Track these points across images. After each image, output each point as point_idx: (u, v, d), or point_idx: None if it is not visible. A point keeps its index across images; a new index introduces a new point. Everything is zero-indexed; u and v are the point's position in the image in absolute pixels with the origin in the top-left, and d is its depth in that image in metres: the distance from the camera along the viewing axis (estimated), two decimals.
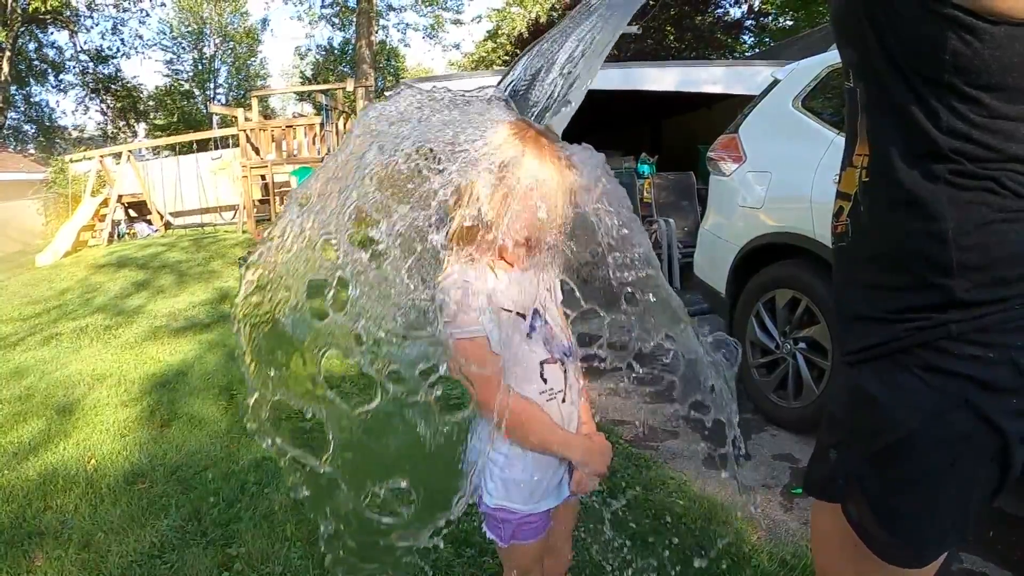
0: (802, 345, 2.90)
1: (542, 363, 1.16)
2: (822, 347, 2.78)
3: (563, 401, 1.20)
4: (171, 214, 13.30)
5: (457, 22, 26.93)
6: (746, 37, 18.52)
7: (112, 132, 26.79)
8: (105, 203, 11.89)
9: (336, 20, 27.00)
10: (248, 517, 2.27)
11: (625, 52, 16.15)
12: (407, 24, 29.75)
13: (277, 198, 11.60)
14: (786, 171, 2.98)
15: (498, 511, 1.20)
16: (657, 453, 2.82)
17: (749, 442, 2.91)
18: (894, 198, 0.84)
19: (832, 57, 3.02)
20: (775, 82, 3.29)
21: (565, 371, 1.20)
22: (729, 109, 8.24)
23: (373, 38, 20.68)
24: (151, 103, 28.46)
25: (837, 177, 1.01)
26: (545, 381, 1.16)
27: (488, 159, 1.01)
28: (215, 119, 13.04)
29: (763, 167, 3.14)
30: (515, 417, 1.09)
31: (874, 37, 0.82)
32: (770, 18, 18.97)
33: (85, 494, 2.53)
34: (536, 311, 1.15)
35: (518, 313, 1.13)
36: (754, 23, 17.95)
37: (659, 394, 3.55)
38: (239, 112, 12.10)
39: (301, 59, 30.42)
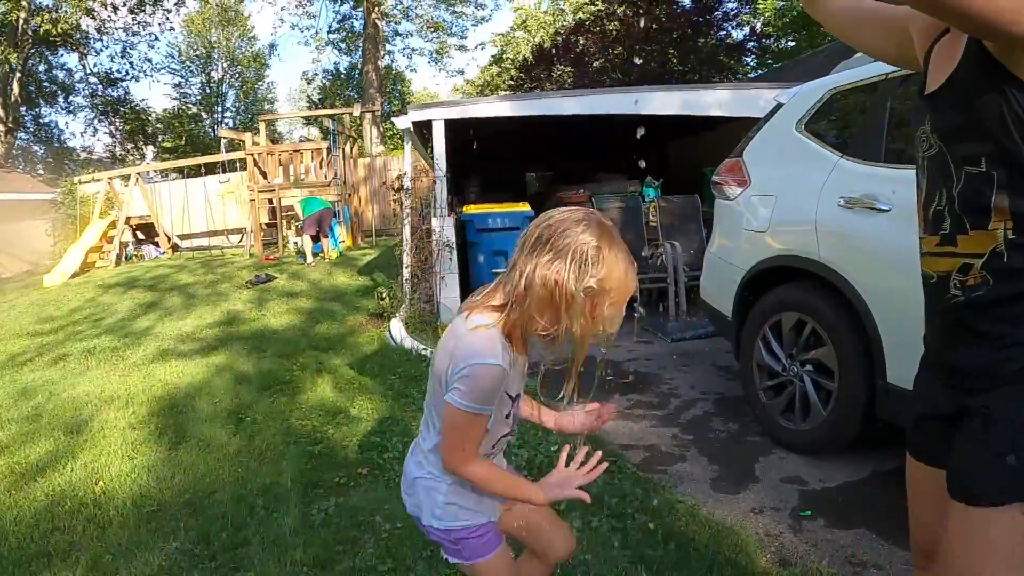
0: (809, 368, 2.90)
1: (503, 436, 1.31)
2: (828, 369, 2.78)
3: (493, 459, 1.34)
4: (178, 236, 13.40)
5: (462, 48, 27.28)
6: (748, 59, 18.69)
7: (120, 154, 27.07)
8: (113, 225, 12.00)
9: (343, 45, 27.39)
10: (257, 541, 2.27)
11: (630, 75, 16.30)
12: (413, 49, 30.12)
13: (284, 222, 11.69)
14: (791, 195, 3.00)
15: (449, 533, 1.29)
16: (667, 477, 2.81)
17: (757, 465, 2.91)
18: None
19: (834, 81, 3.05)
20: (778, 106, 3.32)
21: (508, 440, 1.36)
22: (733, 131, 8.29)
23: (380, 63, 20.97)
24: (159, 126, 28.79)
25: (938, 242, 1.12)
26: (494, 448, 1.31)
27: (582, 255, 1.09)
28: (223, 142, 13.15)
29: (768, 191, 3.17)
30: (482, 482, 1.20)
31: (1018, 134, 0.96)
32: (772, 40, 19.15)
33: (93, 516, 2.54)
34: (519, 395, 1.27)
35: (509, 395, 1.23)
36: (756, 45, 18.11)
37: (666, 418, 3.55)
38: (247, 136, 12.25)
39: (308, 84, 30.81)
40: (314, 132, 26.95)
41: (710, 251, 3.77)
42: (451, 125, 6.09)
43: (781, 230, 3.04)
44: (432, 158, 6.33)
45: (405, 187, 6.69)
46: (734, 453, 3.04)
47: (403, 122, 6.23)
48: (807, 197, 2.83)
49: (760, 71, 18.17)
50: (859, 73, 2.91)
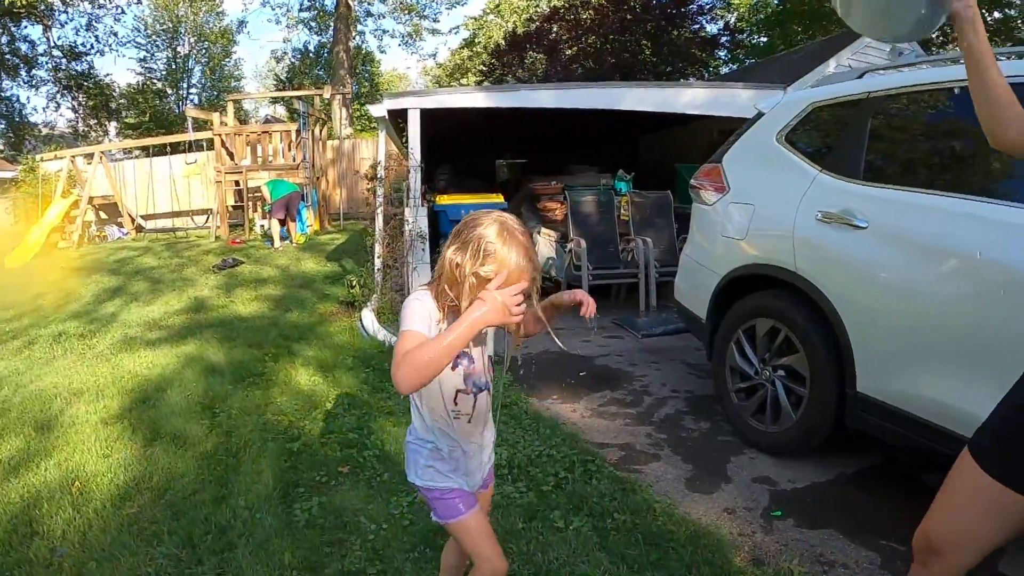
0: (781, 372, 3.01)
1: (457, 391, 1.50)
2: (800, 375, 2.89)
3: (468, 422, 1.53)
4: (142, 217, 13.05)
5: (435, 32, 26.95)
6: (721, 53, 18.86)
7: (83, 130, 26.11)
8: (76, 204, 11.64)
9: (314, 24, 26.80)
10: (243, 544, 2.27)
11: (603, 65, 16.33)
12: (384, 31, 29.60)
13: (251, 204, 11.48)
14: (769, 205, 3.08)
15: (428, 491, 1.55)
16: (643, 476, 2.89)
17: (729, 465, 3.01)
18: None
19: (815, 94, 3.13)
20: (759, 114, 3.39)
21: (475, 401, 1.52)
22: (705, 127, 8.41)
23: (350, 44, 20.59)
24: (123, 101, 27.81)
25: None
26: (456, 404, 1.51)
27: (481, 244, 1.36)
28: (190, 122, 12.79)
29: (746, 199, 3.25)
30: (420, 356, 1.28)
31: None
32: (745, 35, 19.37)
33: (73, 520, 2.49)
34: (465, 352, 1.47)
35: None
36: (729, 39, 18.28)
37: (640, 416, 3.63)
38: (215, 116, 11.96)
39: (277, 62, 30.08)
40: (280, 111, 26.40)
41: (686, 253, 3.85)
42: (426, 114, 6.07)
43: (758, 239, 3.12)
44: (406, 147, 6.30)
45: (379, 176, 6.64)
46: (706, 452, 3.14)
47: (379, 110, 6.18)
48: (785, 208, 2.91)
49: (732, 66, 18.39)
50: (841, 89, 2.99)
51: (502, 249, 1.36)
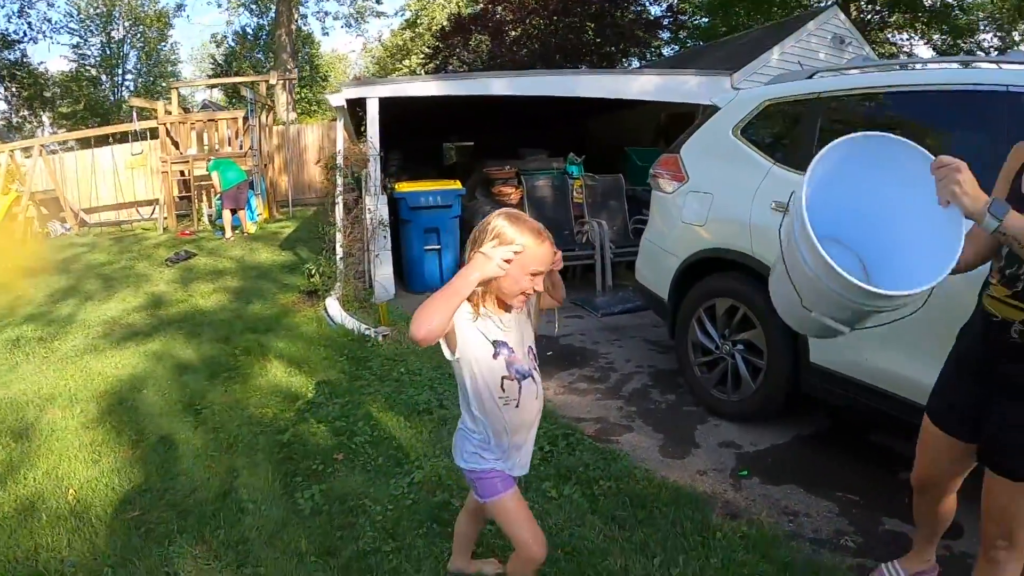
0: (740, 346, 3.28)
1: (502, 378, 1.64)
2: (758, 349, 3.17)
3: (516, 407, 1.67)
4: (84, 211, 12.57)
5: (380, 14, 26.44)
6: (664, 34, 19.18)
7: (17, 122, 24.69)
8: (17, 201, 11.12)
9: (255, 7, 25.91)
10: (255, 536, 2.37)
11: (548, 47, 16.43)
12: (327, 12, 28.78)
13: (198, 194, 11.23)
14: (727, 195, 3.33)
15: (472, 472, 1.72)
16: (620, 445, 3.12)
17: (696, 432, 3.28)
18: None
19: (769, 92, 3.37)
20: (715, 108, 3.62)
21: (520, 387, 1.66)
22: (651, 110, 8.67)
23: (293, 26, 20.06)
24: (56, 90, 26.36)
25: (1008, 294, 1.54)
26: (504, 391, 1.65)
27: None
28: (134, 112, 12.29)
29: (705, 188, 3.49)
30: (427, 307, 1.47)
31: None
32: (688, 16, 19.73)
33: (76, 528, 2.48)
34: (503, 343, 1.64)
35: (486, 336, 1.63)
36: (672, 21, 18.60)
37: (608, 391, 3.86)
38: (159, 105, 11.59)
39: (217, 46, 28.96)
40: (216, 96, 25.54)
41: (647, 238, 4.07)
42: (383, 102, 6.10)
43: (717, 225, 3.37)
44: (366, 136, 6.32)
45: (339, 165, 6.65)
46: (675, 422, 3.40)
47: (337, 99, 6.19)
48: (742, 198, 3.16)
49: (675, 47, 18.74)
50: (793, 88, 3.24)
51: (509, 228, 1.55)
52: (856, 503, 2.62)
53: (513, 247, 1.52)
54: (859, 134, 1.61)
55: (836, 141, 1.61)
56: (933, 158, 1.50)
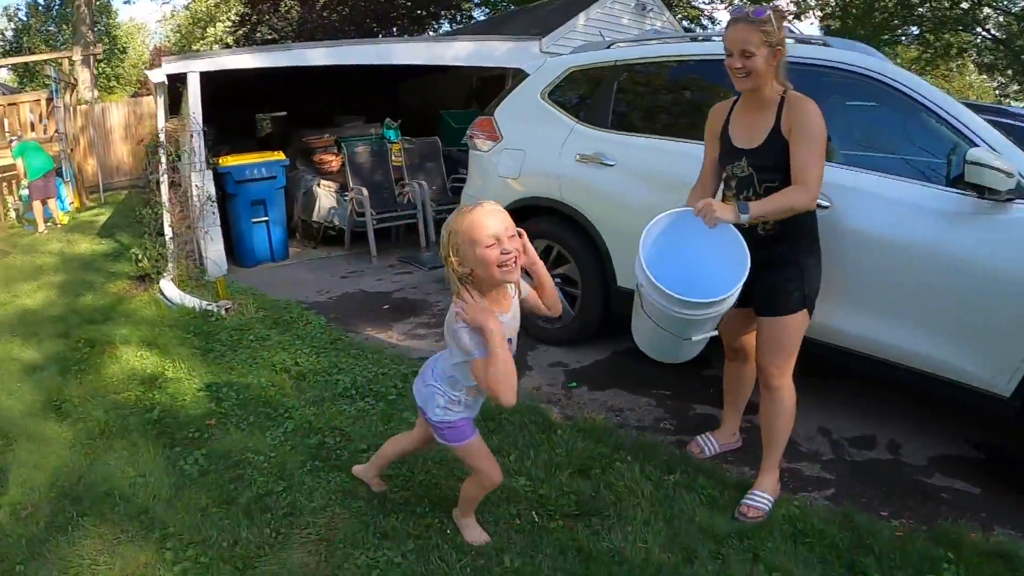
0: (558, 280, 3.83)
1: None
2: (573, 281, 3.78)
3: None
4: None
5: None
6: None
7: None
8: None
9: None
10: (157, 504, 2.49)
11: (358, 10, 16.06)
12: None
13: (2, 184, 10.00)
14: (537, 150, 3.84)
15: (442, 423, 2.04)
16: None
17: (527, 357, 3.85)
18: None
19: (572, 60, 3.91)
20: (525, 75, 4.12)
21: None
22: (463, 74, 9.03)
23: None
24: None
25: None
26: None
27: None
28: None
29: (517, 145, 3.98)
30: (496, 386, 1.81)
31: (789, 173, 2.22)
32: None
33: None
34: (510, 340, 1.94)
35: (508, 339, 1.91)
36: None
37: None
38: None
39: (9, 20, 24.83)
40: (4, 75, 22.11)
41: (466, 193, 4.48)
42: (204, 76, 5.96)
43: (530, 177, 3.89)
44: (182, 111, 6.13)
45: (162, 143, 6.39)
46: None
47: (157, 75, 5.95)
48: (551, 152, 3.71)
49: (485, 9, 19.03)
50: (594, 57, 3.80)
51: (446, 236, 1.82)
52: (670, 396, 3.36)
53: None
54: (662, 214, 2.29)
55: (652, 221, 2.28)
56: (694, 208, 2.18)
